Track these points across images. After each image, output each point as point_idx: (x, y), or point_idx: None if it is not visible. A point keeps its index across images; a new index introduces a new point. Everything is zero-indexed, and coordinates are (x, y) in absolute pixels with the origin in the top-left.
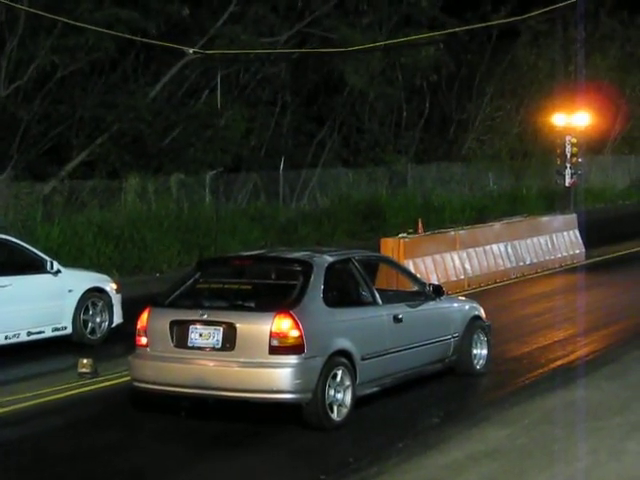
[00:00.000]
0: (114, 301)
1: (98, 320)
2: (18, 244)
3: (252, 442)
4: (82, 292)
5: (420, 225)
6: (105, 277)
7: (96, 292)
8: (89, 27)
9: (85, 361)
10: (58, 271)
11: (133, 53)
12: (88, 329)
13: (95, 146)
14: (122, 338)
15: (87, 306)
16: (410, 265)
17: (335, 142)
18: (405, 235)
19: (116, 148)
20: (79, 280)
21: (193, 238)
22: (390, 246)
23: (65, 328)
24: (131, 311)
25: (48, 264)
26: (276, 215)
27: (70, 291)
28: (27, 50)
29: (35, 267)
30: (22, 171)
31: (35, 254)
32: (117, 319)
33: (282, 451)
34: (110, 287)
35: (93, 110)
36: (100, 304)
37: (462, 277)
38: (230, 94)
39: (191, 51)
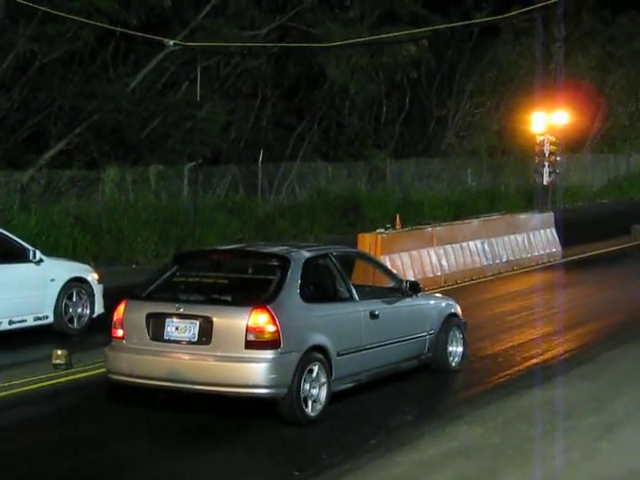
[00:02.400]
0: (95, 291)
1: (80, 310)
2: (1, 233)
3: (226, 437)
4: (64, 282)
5: (398, 221)
6: (87, 267)
7: (78, 282)
8: (69, 17)
9: (59, 352)
10: (40, 260)
11: (113, 43)
12: (70, 319)
13: (74, 135)
14: (102, 329)
15: (69, 296)
16: (387, 261)
17: (315, 136)
18: (382, 231)
19: (95, 138)
20: (61, 270)
21: (171, 230)
22: (367, 241)
23: (47, 317)
24: (108, 302)
25: (30, 253)
26: (254, 208)
27: (52, 280)
28: (6, 38)
29: (17, 256)
30: (0, 160)
31: (18, 243)
32: (98, 309)
33: (256, 447)
34: (92, 277)
35: (72, 99)
36: (83, 294)
37: (439, 274)
38: (210, 86)
39: (171, 42)
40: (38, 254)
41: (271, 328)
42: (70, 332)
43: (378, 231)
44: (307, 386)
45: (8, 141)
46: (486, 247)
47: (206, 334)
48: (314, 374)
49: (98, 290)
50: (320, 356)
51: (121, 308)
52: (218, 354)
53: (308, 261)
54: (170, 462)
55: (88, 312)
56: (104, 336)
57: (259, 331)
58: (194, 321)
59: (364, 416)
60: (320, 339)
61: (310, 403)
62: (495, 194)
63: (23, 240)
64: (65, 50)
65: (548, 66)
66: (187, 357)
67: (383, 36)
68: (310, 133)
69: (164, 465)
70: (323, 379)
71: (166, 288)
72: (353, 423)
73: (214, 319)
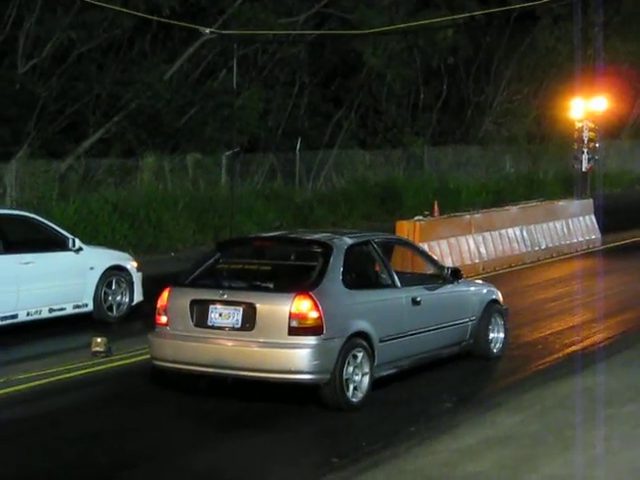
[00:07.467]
0: (134, 279)
1: (119, 298)
2: (41, 222)
3: (268, 423)
4: (103, 270)
5: (436, 208)
6: (126, 255)
7: (117, 270)
8: (106, 6)
9: (99, 340)
10: (80, 249)
11: (150, 31)
12: (109, 307)
13: (112, 124)
14: (141, 317)
15: (108, 284)
16: (425, 248)
17: (352, 123)
18: (421, 218)
19: (132, 126)
20: (100, 258)
21: (208, 218)
22: (405, 229)
23: (86, 305)
24: (146, 290)
25: (70, 242)
26: (292, 196)
27: (91, 269)
28: (45, 27)
29: (57, 244)
30: (39, 149)
31: (58, 232)
32: (137, 297)
33: (295, 433)
34: (131, 265)
35: (110, 88)
36: (122, 282)
37: (477, 261)
38: (248, 74)
39: (207, 31)
40: (77, 242)
41: (314, 314)
42: (109, 320)
43: (416, 218)
44: (350, 372)
45: (47, 130)
46: (525, 234)
47: (249, 320)
48: (357, 360)
49: (137, 278)
50: (363, 342)
51: (165, 295)
52: (261, 340)
53: (350, 248)
54: (212, 449)
55: (127, 300)
56: (143, 324)
57: (302, 317)
58: (237, 307)
59: (403, 404)
60: (362, 325)
61: (352, 389)
62: (534, 181)
63: (62, 229)
64: (103, 38)
65: (587, 52)
66: (230, 343)
67: (420, 22)
68: (347, 120)
69: (206, 451)
70: (366, 365)
71: (209, 275)
72: (392, 410)
73: (257, 305)
